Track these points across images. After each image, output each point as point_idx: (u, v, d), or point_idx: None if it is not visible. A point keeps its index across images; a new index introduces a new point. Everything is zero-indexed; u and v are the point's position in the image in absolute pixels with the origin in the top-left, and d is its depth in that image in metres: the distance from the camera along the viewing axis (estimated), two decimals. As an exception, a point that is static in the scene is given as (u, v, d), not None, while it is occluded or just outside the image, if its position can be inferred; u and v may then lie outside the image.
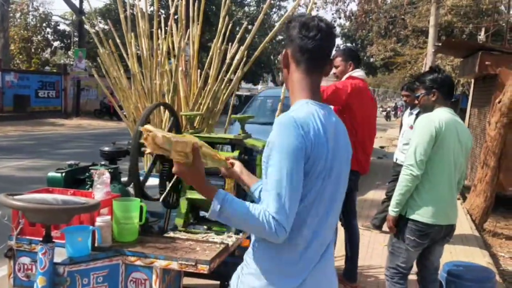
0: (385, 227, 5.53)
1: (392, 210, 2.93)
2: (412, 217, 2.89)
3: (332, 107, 1.61)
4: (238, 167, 1.92)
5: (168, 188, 2.67)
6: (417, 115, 5.13)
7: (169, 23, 3.44)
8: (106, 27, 28.30)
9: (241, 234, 2.56)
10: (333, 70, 3.89)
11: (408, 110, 5.57)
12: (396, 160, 5.53)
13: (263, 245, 1.56)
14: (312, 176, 1.48)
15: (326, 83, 3.67)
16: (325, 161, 1.50)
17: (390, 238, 3.10)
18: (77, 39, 29.35)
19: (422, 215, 2.87)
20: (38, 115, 21.83)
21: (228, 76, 3.35)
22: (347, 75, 3.75)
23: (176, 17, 3.43)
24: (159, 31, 3.42)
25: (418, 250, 2.99)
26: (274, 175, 1.42)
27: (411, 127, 5.17)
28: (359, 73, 3.77)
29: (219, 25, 3.32)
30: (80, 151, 11.77)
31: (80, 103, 24.77)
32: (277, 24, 3.52)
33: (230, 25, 3.48)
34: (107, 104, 23.58)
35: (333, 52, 2.89)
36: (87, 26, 25.87)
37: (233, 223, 1.55)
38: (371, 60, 35.63)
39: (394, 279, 3.05)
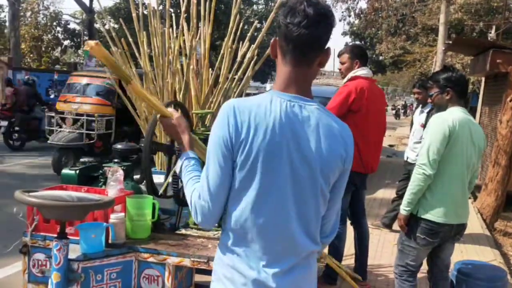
0: (395, 226, 5.53)
1: (404, 209, 2.92)
2: (423, 216, 2.88)
3: (315, 102, 1.44)
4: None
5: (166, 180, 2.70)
6: (428, 113, 5.10)
7: (180, 22, 3.46)
8: (116, 25, 28.46)
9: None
10: (339, 66, 3.89)
11: (419, 108, 5.54)
12: (407, 158, 5.51)
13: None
14: (245, 163, 1.36)
15: (334, 80, 3.68)
16: (264, 153, 1.34)
17: (400, 236, 3.10)
18: (87, 37, 29.53)
19: (434, 214, 2.85)
20: (49, 113, 22.04)
21: (238, 74, 3.36)
22: (351, 74, 3.71)
23: (185, 15, 3.44)
24: (170, 30, 3.44)
25: (428, 248, 2.99)
26: (207, 159, 1.41)
27: (422, 126, 5.14)
28: (363, 71, 3.70)
29: (230, 24, 3.34)
30: (90, 149, 11.85)
31: (90, 102, 24.96)
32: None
33: (241, 24, 3.50)
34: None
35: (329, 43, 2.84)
36: (97, 25, 26.04)
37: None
38: (380, 58, 35.45)
39: (403, 277, 3.05)
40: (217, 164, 1.37)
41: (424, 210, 2.88)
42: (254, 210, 1.38)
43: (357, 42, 41.36)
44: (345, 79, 3.76)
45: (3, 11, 30.27)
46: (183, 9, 3.42)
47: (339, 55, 3.85)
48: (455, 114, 2.88)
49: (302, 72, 1.42)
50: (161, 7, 4.63)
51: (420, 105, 5.52)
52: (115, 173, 2.42)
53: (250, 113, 1.35)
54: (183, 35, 3.42)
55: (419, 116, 5.39)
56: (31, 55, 30.34)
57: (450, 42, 10.29)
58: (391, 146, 14.40)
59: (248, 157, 1.35)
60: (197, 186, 1.44)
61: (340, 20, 15.19)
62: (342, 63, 3.79)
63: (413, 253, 2.98)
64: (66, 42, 34.26)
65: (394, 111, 37.98)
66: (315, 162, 1.39)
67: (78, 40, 34.02)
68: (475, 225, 5.90)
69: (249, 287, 1.39)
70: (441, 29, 12.07)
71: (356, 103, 3.54)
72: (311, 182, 1.40)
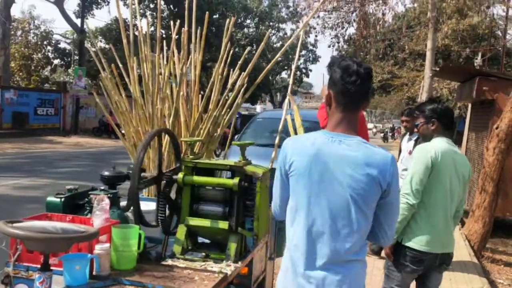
0: (384, 253, 5.52)
1: None
2: (407, 244, 2.95)
3: (356, 138, 1.84)
4: None
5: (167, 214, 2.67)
6: (416, 141, 5.15)
7: (171, 47, 3.47)
8: (107, 46, 28.50)
9: (239, 262, 2.54)
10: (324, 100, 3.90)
11: (407, 136, 5.59)
12: None
13: None
14: (292, 181, 1.84)
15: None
16: (307, 174, 1.79)
17: (386, 261, 3.16)
18: (77, 57, 29.55)
19: (417, 242, 2.93)
20: (37, 132, 21.86)
21: (229, 101, 3.36)
22: None
23: (176, 37, 3.46)
24: (160, 55, 3.45)
25: (413, 275, 3.05)
26: (275, 180, 1.96)
27: (410, 153, 5.19)
28: None
29: (221, 52, 3.35)
30: (77, 170, 11.75)
31: (79, 121, 24.86)
32: (276, 45, 3.58)
33: (232, 50, 3.52)
34: (106, 123, 23.65)
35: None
36: (88, 45, 26.10)
37: None
38: (369, 81, 35.82)
39: None
40: (279, 183, 1.93)
41: (408, 238, 2.96)
42: (295, 219, 1.84)
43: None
44: None
45: (-6, 30, 30.19)
46: (173, 36, 3.43)
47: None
48: (438, 145, 2.96)
49: (351, 116, 1.84)
50: (152, 28, 4.67)
51: (408, 133, 5.57)
52: (101, 202, 2.38)
53: (299, 146, 1.84)
54: (174, 61, 3.43)
55: (407, 144, 5.44)
56: (21, 74, 30.23)
57: (438, 69, 10.47)
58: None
59: (293, 177, 1.83)
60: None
61: (329, 46, 15.45)
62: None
63: (398, 278, 3.05)
64: (56, 61, 34.25)
65: (382, 134, 38.27)
66: (347, 184, 1.75)
67: (69, 59, 34.05)
68: (463, 252, 5.91)
69: (295, 279, 1.82)
70: (428, 54, 12.30)
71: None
72: (343, 200, 1.76)
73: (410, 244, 2.94)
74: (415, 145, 5.14)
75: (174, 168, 2.80)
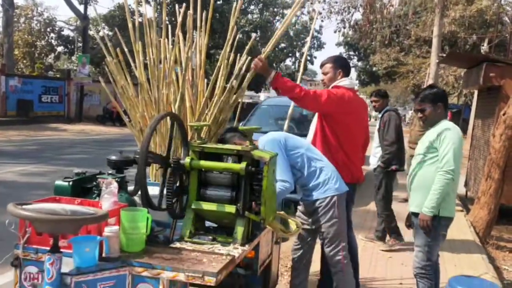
0: (388, 239, 5.53)
1: (431, 211, 3.22)
2: (445, 215, 3.26)
3: None
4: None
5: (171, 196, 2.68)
6: (381, 118, 5.59)
7: (176, 32, 3.45)
8: (110, 33, 28.35)
9: (246, 245, 2.55)
10: (322, 77, 3.78)
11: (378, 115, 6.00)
12: (369, 165, 5.79)
13: None
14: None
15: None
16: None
17: (423, 238, 3.31)
18: (81, 44, 29.47)
19: (451, 211, 3.30)
20: (41, 120, 21.90)
21: (235, 86, 3.35)
22: (334, 84, 3.64)
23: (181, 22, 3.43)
24: (166, 40, 3.43)
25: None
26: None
27: (378, 130, 5.61)
28: (346, 82, 3.64)
29: (228, 36, 3.33)
30: (83, 156, 11.79)
31: (83, 109, 24.87)
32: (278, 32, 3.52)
33: (238, 35, 3.49)
34: (110, 110, 23.67)
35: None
36: (91, 32, 25.99)
37: None
38: (374, 69, 35.65)
39: (431, 275, 3.34)
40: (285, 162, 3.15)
41: (443, 209, 3.25)
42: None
43: (351, 53, 41.49)
44: None
45: (-3, 17, 30.11)
46: (179, 20, 3.40)
47: (322, 66, 3.76)
48: (453, 124, 3.32)
49: None
50: (156, 14, 4.64)
51: (378, 112, 5.92)
52: (109, 185, 2.39)
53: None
54: (179, 44, 3.41)
55: (377, 123, 5.83)
56: (24, 61, 30.24)
57: (444, 55, 10.38)
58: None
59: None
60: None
61: (335, 32, 15.28)
62: (324, 74, 3.71)
63: (436, 249, 3.36)
64: (60, 49, 34.18)
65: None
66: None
67: (72, 46, 33.97)
68: (468, 238, 5.91)
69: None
70: (435, 41, 12.16)
71: (330, 107, 3.47)
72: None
73: (446, 214, 3.26)
74: (380, 122, 5.57)
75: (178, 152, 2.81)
